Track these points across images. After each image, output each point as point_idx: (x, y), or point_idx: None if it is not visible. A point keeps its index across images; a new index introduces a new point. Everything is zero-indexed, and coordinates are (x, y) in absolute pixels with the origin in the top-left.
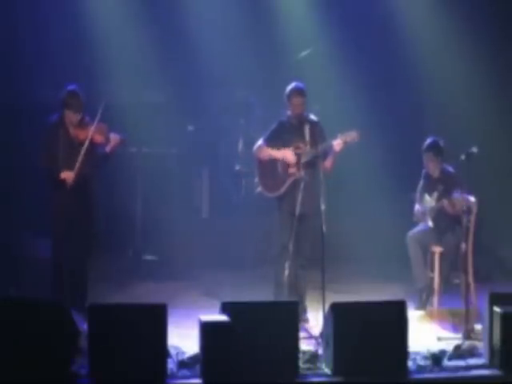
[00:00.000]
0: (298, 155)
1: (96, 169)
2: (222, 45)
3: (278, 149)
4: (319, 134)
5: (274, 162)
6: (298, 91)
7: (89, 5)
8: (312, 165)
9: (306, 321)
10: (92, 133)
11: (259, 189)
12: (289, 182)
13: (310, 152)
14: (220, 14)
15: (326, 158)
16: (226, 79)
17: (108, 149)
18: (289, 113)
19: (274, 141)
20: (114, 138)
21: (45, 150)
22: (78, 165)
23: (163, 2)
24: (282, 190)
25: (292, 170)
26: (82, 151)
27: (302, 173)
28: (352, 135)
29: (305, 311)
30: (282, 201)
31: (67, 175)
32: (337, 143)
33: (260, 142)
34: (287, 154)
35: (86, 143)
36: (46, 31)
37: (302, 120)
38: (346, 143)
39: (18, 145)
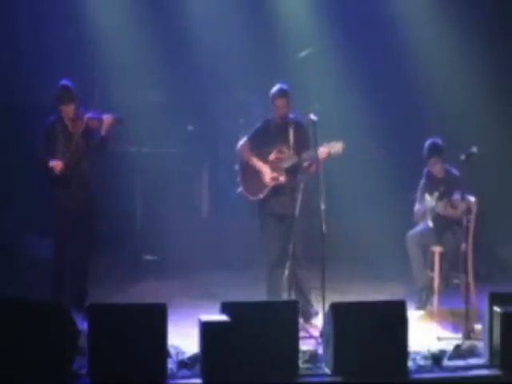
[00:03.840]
0: (281, 159)
1: (93, 156)
2: (222, 45)
3: (261, 152)
4: (303, 137)
5: None
6: (280, 93)
7: (89, 5)
8: (294, 170)
9: (317, 314)
10: (86, 120)
11: (240, 189)
12: (269, 187)
13: (292, 159)
14: (220, 13)
15: (311, 164)
16: (226, 79)
17: (103, 131)
18: (273, 115)
19: (258, 140)
20: (107, 118)
21: (37, 146)
22: (68, 154)
23: (163, 2)
24: (262, 195)
25: (274, 175)
26: (75, 138)
27: (283, 178)
28: (337, 147)
29: (311, 307)
30: (263, 205)
31: (55, 164)
32: (322, 151)
33: (244, 140)
34: (265, 172)
35: (80, 130)
36: (46, 31)
37: (286, 122)
38: (330, 153)
39: (18, 145)
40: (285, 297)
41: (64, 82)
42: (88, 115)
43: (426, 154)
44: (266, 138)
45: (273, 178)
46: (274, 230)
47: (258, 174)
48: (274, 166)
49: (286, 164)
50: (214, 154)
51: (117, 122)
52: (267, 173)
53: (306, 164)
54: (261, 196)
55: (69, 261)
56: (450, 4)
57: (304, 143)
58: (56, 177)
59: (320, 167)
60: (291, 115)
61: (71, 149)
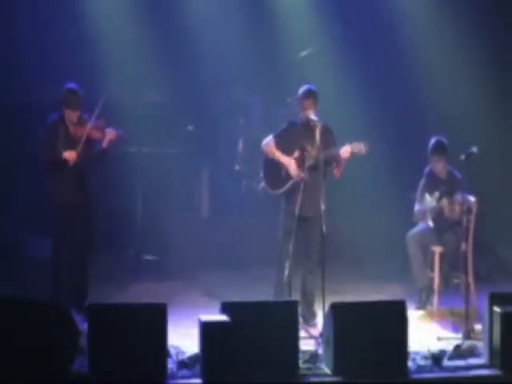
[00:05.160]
0: (304, 157)
1: (93, 165)
2: (222, 45)
3: (286, 150)
4: (330, 140)
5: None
6: (307, 93)
7: (89, 5)
8: (316, 168)
9: (315, 325)
10: (89, 129)
11: (262, 184)
12: (291, 182)
13: (315, 156)
14: (220, 13)
15: (335, 165)
16: (226, 79)
17: (104, 144)
18: (301, 115)
19: (284, 139)
20: (110, 133)
21: (44, 145)
22: (80, 146)
23: (163, 2)
24: (283, 189)
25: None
26: (81, 143)
27: (304, 175)
28: (359, 147)
29: (313, 316)
30: (286, 202)
31: (69, 154)
32: (345, 150)
33: (269, 138)
34: (291, 165)
35: (83, 138)
36: (46, 31)
37: (313, 122)
38: (353, 153)
39: (18, 145)
40: (285, 297)
41: (72, 85)
42: (91, 124)
43: (429, 151)
44: (292, 137)
45: (297, 175)
46: (291, 228)
47: (281, 168)
48: (297, 164)
49: (309, 162)
50: (214, 154)
51: (119, 138)
52: (293, 165)
53: (333, 167)
54: (282, 190)
55: (68, 261)
56: (452, 3)
57: (330, 146)
58: (61, 173)
59: (342, 168)
60: (317, 117)
61: (80, 145)
